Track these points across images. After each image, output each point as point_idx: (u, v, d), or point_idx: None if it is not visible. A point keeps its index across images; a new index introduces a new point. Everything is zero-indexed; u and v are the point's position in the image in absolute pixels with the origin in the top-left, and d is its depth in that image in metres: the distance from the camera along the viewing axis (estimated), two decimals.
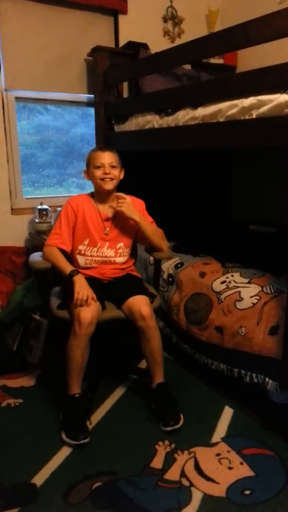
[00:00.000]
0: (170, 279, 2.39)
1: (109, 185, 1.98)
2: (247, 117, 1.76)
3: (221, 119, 1.89)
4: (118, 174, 2.01)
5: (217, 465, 1.64)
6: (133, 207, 2.00)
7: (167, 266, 2.43)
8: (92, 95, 2.94)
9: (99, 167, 1.96)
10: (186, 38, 3.19)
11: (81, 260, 2.04)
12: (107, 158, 1.97)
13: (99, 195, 2.05)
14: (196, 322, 2.13)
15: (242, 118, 1.78)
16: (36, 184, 3.14)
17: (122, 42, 3.04)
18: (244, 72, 1.89)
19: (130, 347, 2.18)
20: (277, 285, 1.96)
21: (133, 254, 2.21)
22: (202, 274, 2.22)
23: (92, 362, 1.88)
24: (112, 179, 1.98)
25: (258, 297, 1.92)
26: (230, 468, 1.62)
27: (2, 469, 1.62)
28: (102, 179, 1.97)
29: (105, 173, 1.96)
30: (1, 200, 2.85)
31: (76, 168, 3.25)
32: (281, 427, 1.81)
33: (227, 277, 2.12)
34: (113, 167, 1.98)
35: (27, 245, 2.95)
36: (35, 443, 1.77)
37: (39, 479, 1.57)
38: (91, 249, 2.03)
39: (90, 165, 2.00)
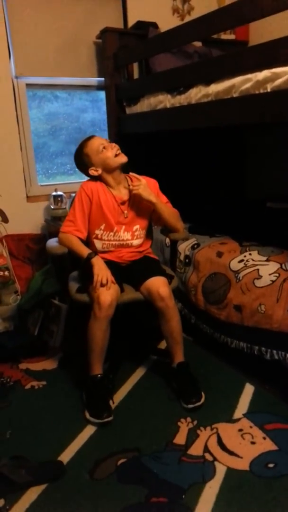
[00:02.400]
0: (187, 260, 2.38)
1: (123, 157, 1.99)
2: (261, 91, 1.73)
3: (235, 95, 1.86)
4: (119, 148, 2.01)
5: (240, 440, 1.65)
6: (148, 188, 1.99)
7: (184, 247, 2.42)
8: (103, 79, 2.91)
9: (104, 148, 1.96)
10: (196, 15, 3.11)
11: (98, 244, 2.05)
12: (101, 139, 2.00)
13: (111, 178, 2.02)
14: (214, 302, 2.14)
15: (257, 92, 1.75)
16: (50, 171, 3.15)
17: (131, 23, 3.00)
18: (256, 45, 1.85)
19: (150, 328, 2.20)
20: None
21: (150, 236, 2.22)
22: (219, 254, 2.21)
23: (113, 343, 1.90)
24: (120, 150, 1.99)
25: (277, 274, 1.90)
26: (253, 442, 1.64)
27: (30, 448, 1.67)
28: (116, 155, 1.96)
29: (113, 148, 1.96)
30: (16, 188, 2.88)
31: None
32: None
33: (245, 256, 2.11)
34: (110, 142, 2.01)
35: (43, 231, 2.98)
36: (59, 423, 1.81)
37: (65, 457, 1.62)
38: (107, 234, 2.03)
39: (93, 156, 1.97)
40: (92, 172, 2.01)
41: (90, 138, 2.01)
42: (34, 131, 2.97)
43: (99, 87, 3.07)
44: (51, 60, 2.86)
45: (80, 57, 2.95)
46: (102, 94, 3.01)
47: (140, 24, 2.89)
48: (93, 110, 3.22)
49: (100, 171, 2.00)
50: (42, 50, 2.81)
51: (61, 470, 1.55)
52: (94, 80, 3.04)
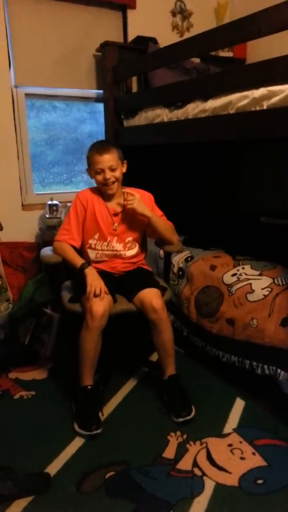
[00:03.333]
0: (180, 273, 2.39)
1: (111, 189, 1.99)
2: (258, 108, 1.76)
3: (232, 111, 1.89)
4: (119, 174, 1.99)
5: (229, 455, 1.64)
6: (142, 202, 2.00)
7: (178, 260, 2.43)
8: (101, 91, 2.95)
9: (99, 173, 1.95)
10: (195, 32, 3.17)
11: (91, 254, 2.05)
12: (106, 161, 1.93)
13: (105, 193, 2.04)
14: (207, 315, 2.14)
15: (253, 109, 1.78)
16: (46, 181, 3.16)
17: (130, 37, 3.04)
18: (253, 63, 1.89)
19: (142, 340, 2.19)
20: None
21: (144, 248, 2.22)
22: (213, 267, 2.22)
23: (104, 354, 1.89)
24: (113, 181, 1.97)
25: (269, 289, 1.91)
26: (242, 458, 1.63)
27: (16, 459, 1.64)
28: (105, 184, 1.97)
29: (105, 179, 1.95)
30: (12, 196, 2.88)
31: (85, 165, 3.24)
32: None
33: (238, 270, 2.12)
34: (113, 170, 1.95)
35: (37, 240, 2.98)
36: (48, 434, 1.79)
37: (52, 469, 1.59)
38: (101, 243, 2.04)
39: (91, 168, 1.99)
40: (87, 172, 2.05)
41: (100, 151, 1.93)
42: (31, 140, 2.99)
43: (97, 99, 3.10)
44: (50, 71, 2.89)
45: (80, 69, 2.99)
46: (100, 106, 3.03)
47: (139, 39, 2.94)
48: (91, 122, 3.25)
49: (92, 177, 2.03)
50: (42, 61, 2.84)
51: (47, 482, 1.53)
52: (93, 92, 3.08)
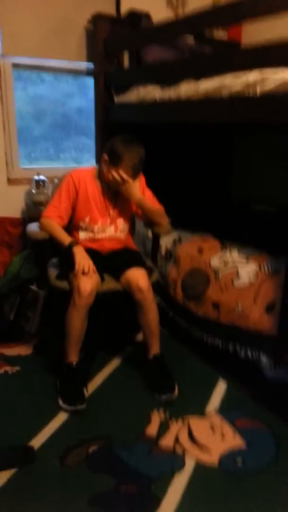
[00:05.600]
0: (168, 255, 2.40)
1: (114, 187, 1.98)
2: (251, 93, 1.74)
3: (225, 94, 1.86)
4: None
5: (210, 435, 1.69)
6: (136, 188, 1.98)
7: (165, 242, 2.44)
8: (91, 64, 2.87)
9: (121, 176, 1.91)
10: (189, 9, 3.12)
11: (81, 234, 2.04)
12: (133, 174, 1.93)
13: (106, 180, 1.99)
14: (193, 297, 2.16)
15: (246, 93, 1.76)
16: (32, 155, 3.10)
17: (123, 10, 2.95)
18: (248, 47, 1.87)
19: (127, 319, 2.21)
20: (275, 264, 1.99)
21: (131, 228, 2.22)
22: (200, 250, 2.24)
23: (90, 332, 1.90)
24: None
25: (255, 275, 1.94)
26: (222, 438, 1.68)
27: (0, 432, 1.66)
28: (115, 184, 1.94)
29: (121, 183, 1.93)
30: None
31: (73, 141, 3.20)
32: (273, 403, 1.86)
33: (225, 254, 2.14)
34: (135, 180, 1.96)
35: (23, 216, 2.93)
36: (32, 409, 1.81)
37: (36, 442, 1.62)
38: (92, 227, 2.03)
39: (114, 165, 1.90)
40: (103, 162, 1.95)
41: (136, 165, 1.90)
42: (17, 113, 2.89)
43: (87, 73, 3.01)
44: (39, 41, 2.78)
45: (70, 40, 2.89)
46: (89, 80, 2.96)
47: (132, 13, 2.85)
48: (79, 96, 3.17)
49: (106, 162, 1.93)
50: (31, 30, 2.73)
51: (31, 455, 1.55)
52: (83, 64, 2.99)
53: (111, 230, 2.06)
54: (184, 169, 3.14)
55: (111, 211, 2.04)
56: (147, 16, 2.88)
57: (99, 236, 2.05)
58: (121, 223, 2.08)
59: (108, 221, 2.04)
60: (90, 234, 2.04)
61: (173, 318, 2.34)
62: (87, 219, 2.01)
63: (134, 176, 1.93)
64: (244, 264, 2.02)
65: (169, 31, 2.20)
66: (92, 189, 2.00)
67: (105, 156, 1.93)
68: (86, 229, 2.03)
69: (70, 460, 1.54)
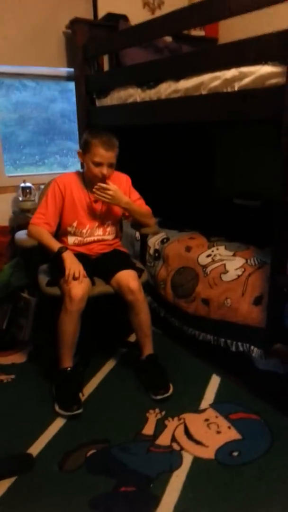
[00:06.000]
0: (156, 254, 2.42)
1: (102, 181, 1.96)
2: (229, 89, 1.76)
3: (204, 92, 1.89)
4: (112, 171, 1.99)
5: (206, 430, 1.71)
6: (119, 193, 1.97)
7: (153, 242, 2.45)
8: (72, 69, 2.88)
9: (97, 165, 1.93)
10: (166, 9, 3.12)
11: (70, 239, 2.05)
12: (109, 158, 1.93)
13: (89, 180, 2.01)
14: (183, 295, 2.18)
15: (225, 90, 1.78)
16: (17, 162, 3.10)
17: (100, 14, 2.95)
18: (225, 44, 1.89)
19: (119, 321, 2.22)
20: (261, 257, 2.01)
21: (120, 230, 2.23)
22: (188, 249, 2.26)
23: (83, 337, 1.91)
24: (107, 177, 1.96)
25: (242, 269, 1.97)
26: (218, 432, 1.70)
27: None
28: (99, 178, 1.94)
29: (103, 174, 1.93)
30: None
31: (58, 146, 3.21)
32: (266, 393, 1.89)
33: (212, 251, 2.17)
34: (110, 165, 1.95)
35: (11, 224, 2.93)
36: (29, 416, 1.82)
37: (35, 449, 1.62)
38: (80, 231, 2.04)
39: (89, 155, 1.93)
40: (78, 154, 2.00)
41: (104, 148, 1.89)
42: (1, 120, 2.90)
43: (68, 78, 3.02)
44: (18, 48, 2.77)
45: (49, 46, 2.89)
46: (71, 84, 2.96)
47: (110, 16, 2.86)
48: (62, 100, 3.17)
49: (82, 161, 1.99)
50: (10, 38, 2.73)
51: (30, 462, 1.56)
52: (64, 70, 2.99)
53: (99, 233, 2.08)
54: (167, 167, 3.16)
55: (99, 214, 2.05)
56: (124, 18, 2.89)
57: (88, 239, 2.06)
58: (109, 225, 2.09)
59: (96, 224, 2.05)
60: (79, 238, 2.05)
61: (165, 317, 2.36)
62: (74, 224, 2.02)
63: (109, 163, 1.93)
64: (231, 259, 2.05)
65: (147, 32, 2.21)
66: (78, 193, 2.01)
67: (79, 150, 1.98)
68: (74, 234, 2.04)
69: (69, 465, 1.56)
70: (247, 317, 1.88)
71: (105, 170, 1.93)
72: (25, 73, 2.91)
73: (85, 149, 1.95)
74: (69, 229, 2.03)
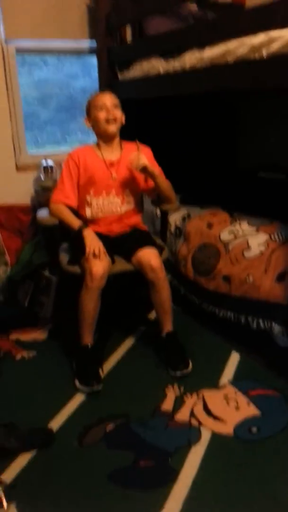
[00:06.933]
0: (177, 232, 2.37)
1: (113, 127, 1.95)
2: (257, 56, 1.67)
3: (230, 60, 1.80)
4: (120, 115, 1.98)
5: (225, 406, 1.69)
6: (142, 156, 1.91)
7: (174, 219, 2.41)
8: (94, 42, 2.81)
9: (101, 108, 1.93)
10: None
11: (88, 211, 2.03)
12: (109, 99, 1.94)
13: (103, 141, 2.01)
14: (203, 272, 2.14)
15: (252, 57, 1.69)
16: (39, 140, 3.09)
17: None
18: (251, 8, 1.79)
19: (139, 298, 2.21)
20: (285, 232, 1.95)
21: (140, 207, 2.19)
22: (210, 225, 2.21)
23: (103, 314, 1.91)
24: (115, 119, 1.94)
25: (266, 245, 1.91)
26: (237, 408, 1.68)
27: (20, 416, 1.69)
28: (107, 121, 1.93)
29: (108, 113, 1.92)
30: (5, 156, 2.82)
31: (79, 123, 3.17)
32: (286, 370, 1.85)
33: (235, 227, 2.11)
34: (115, 106, 1.95)
35: (33, 202, 2.93)
36: (49, 391, 1.84)
37: (55, 424, 1.64)
38: (96, 199, 2.01)
39: (92, 109, 1.96)
40: (85, 121, 2.02)
41: (103, 91, 2.03)
42: (23, 98, 2.88)
43: (90, 51, 2.96)
44: (41, 21, 2.74)
45: (71, 18, 2.83)
46: (93, 60, 2.91)
47: None
48: (84, 77, 3.12)
49: (90, 126, 2.00)
50: (32, 11, 2.70)
51: (50, 436, 1.58)
52: (86, 42, 2.93)
53: (118, 202, 2.03)
54: (189, 141, 3.07)
55: (114, 179, 2.01)
56: None
57: (106, 209, 2.02)
58: (127, 195, 2.05)
59: (114, 191, 2.02)
60: (96, 208, 2.02)
61: (185, 295, 2.33)
62: (91, 191, 2.00)
63: (112, 103, 1.94)
64: (254, 235, 1.99)
65: None
66: (92, 161, 1.99)
67: (85, 118, 2.02)
68: (91, 204, 2.01)
69: (88, 440, 1.57)
70: (270, 293, 1.83)
71: (110, 110, 1.93)
72: (46, 49, 2.87)
73: (88, 111, 1.99)
74: (88, 198, 2.01)
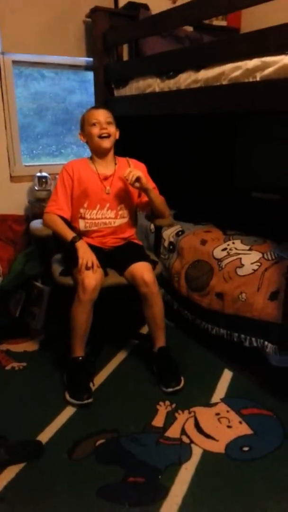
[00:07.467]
0: (171, 247, 2.39)
1: (106, 143, 1.98)
2: (251, 80, 1.73)
3: (224, 82, 1.85)
4: (114, 131, 2.00)
5: (217, 424, 1.69)
6: (135, 170, 1.95)
7: (168, 234, 2.43)
8: (91, 59, 2.86)
9: (94, 124, 1.96)
10: None
11: (81, 223, 2.04)
12: (102, 114, 1.97)
13: (97, 155, 2.04)
14: (197, 288, 2.16)
15: (246, 80, 1.74)
16: (34, 152, 3.10)
17: (121, 3, 2.93)
18: (247, 33, 1.85)
19: (132, 312, 2.21)
20: (278, 252, 1.98)
21: (134, 222, 2.21)
22: (203, 242, 2.23)
23: (95, 327, 1.91)
24: (109, 135, 1.97)
25: (259, 264, 1.93)
26: (229, 426, 1.68)
27: (9, 427, 1.67)
28: (100, 136, 1.96)
29: (102, 129, 1.95)
30: (0, 167, 2.82)
31: (74, 136, 3.20)
32: (279, 389, 1.86)
33: (228, 244, 2.13)
34: (108, 123, 1.97)
35: (27, 213, 2.94)
36: (39, 404, 1.82)
37: (44, 437, 1.63)
38: (90, 212, 2.03)
39: (86, 124, 1.99)
40: (79, 136, 2.05)
41: (97, 107, 2.06)
42: (19, 110, 2.90)
43: (87, 68, 3.01)
44: (39, 37, 2.78)
45: (69, 35, 2.88)
46: (90, 75, 2.95)
47: (131, 5, 2.83)
48: (80, 91, 3.16)
49: (84, 140, 2.04)
50: (30, 27, 2.73)
51: (39, 449, 1.56)
52: (83, 60, 2.98)
53: (111, 216, 2.05)
54: (185, 158, 3.13)
55: (108, 193, 2.03)
56: (145, 7, 2.86)
57: (99, 222, 2.03)
58: (121, 209, 2.07)
59: (107, 205, 2.04)
60: (89, 221, 2.03)
61: (178, 310, 2.34)
62: (85, 204, 2.02)
63: (106, 120, 1.96)
64: (248, 253, 2.01)
65: (168, 21, 2.18)
66: (86, 173, 2.02)
67: (79, 132, 2.06)
68: (85, 216, 2.03)
69: (78, 454, 1.55)
70: (262, 312, 1.85)
71: (104, 125, 1.96)
72: (44, 62, 2.90)
73: (82, 126, 2.03)
74: (81, 210, 2.02)
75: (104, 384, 1.95)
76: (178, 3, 3.09)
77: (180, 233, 2.39)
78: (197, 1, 1.95)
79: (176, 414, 1.75)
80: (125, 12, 2.83)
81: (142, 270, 1.90)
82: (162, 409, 1.78)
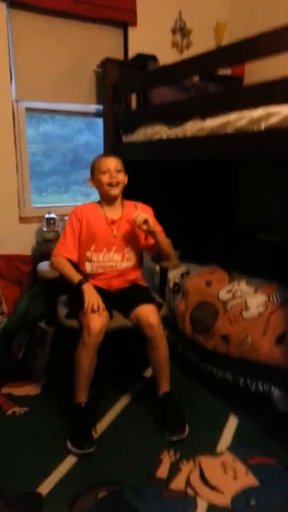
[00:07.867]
0: (176, 288, 2.39)
1: (115, 190, 2.02)
2: (255, 129, 1.78)
3: (230, 131, 1.91)
4: (123, 178, 2.05)
5: (222, 475, 1.63)
6: (142, 213, 1.97)
7: (173, 275, 2.43)
8: (101, 106, 2.98)
9: (105, 172, 2.00)
10: (194, 49, 3.25)
11: (88, 266, 2.05)
12: (112, 163, 2.01)
13: (105, 201, 2.09)
14: (201, 331, 2.13)
15: (251, 129, 1.80)
16: (43, 194, 3.18)
17: (131, 54, 3.09)
18: (252, 85, 1.92)
19: (135, 355, 2.18)
20: (284, 294, 1.97)
21: (140, 265, 2.22)
22: (208, 283, 2.23)
23: (98, 370, 1.88)
24: (118, 183, 2.02)
25: (264, 307, 1.92)
26: (235, 478, 1.61)
27: (8, 477, 1.62)
28: (109, 184, 2.00)
29: (112, 177, 1.99)
30: (10, 208, 2.89)
31: (82, 176, 3.29)
32: (286, 437, 1.80)
33: (233, 286, 2.13)
34: (118, 171, 2.02)
35: (34, 253, 2.97)
36: (40, 452, 1.77)
37: (44, 489, 1.57)
38: (97, 255, 2.05)
39: (96, 172, 2.04)
40: (89, 182, 2.09)
41: (107, 155, 2.09)
42: (28, 150, 3.01)
43: (97, 114, 3.13)
44: (51, 86, 2.92)
45: (80, 84, 3.02)
46: (98, 118, 3.07)
47: (140, 57, 2.98)
48: (88, 132, 3.28)
49: (94, 186, 2.08)
50: (43, 76, 2.88)
51: (38, 503, 1.50)
52: (93, 107, 3.11)
53: (118, 259, 2.07)
54: (189, 200, 3.18)
55: (115, 236, 2.06)
56: (153, 59, 3.00)
57: (106, 265, 2.05)
58: (128, 252, 2.09)
59: (114, 248, 2.06)
60: (96, 264, 2.05)
61: (183, 352, 2.30)
62: (92, 248, 2.04)
63: (116, 168, 2.00)
64: (253, 295, 2.00)
65: (176, 73, 2.29)
66: (95, 218, 2.05)
67: (89, 178, 2.10)
68: (91, 259, 2.05)
69: (79, 507, 1.49)
70: (269, 356, 1.81)
71: (113, 173, 1.99)
72: (56, 109, 3.03)
73: (92, 172, 2.07)
74: (88, 254, 2.04)
75: (107, 431, 1.90)
76: (184, 53, 3.27)
77: (185, 274, 2.39)
78: (205, 53, 2.04)
79: (181, 464, 1.69)
80: (134, 63, 2.98)
81: (147, 313, 1.89)
82: (166, 459, 1.72)
